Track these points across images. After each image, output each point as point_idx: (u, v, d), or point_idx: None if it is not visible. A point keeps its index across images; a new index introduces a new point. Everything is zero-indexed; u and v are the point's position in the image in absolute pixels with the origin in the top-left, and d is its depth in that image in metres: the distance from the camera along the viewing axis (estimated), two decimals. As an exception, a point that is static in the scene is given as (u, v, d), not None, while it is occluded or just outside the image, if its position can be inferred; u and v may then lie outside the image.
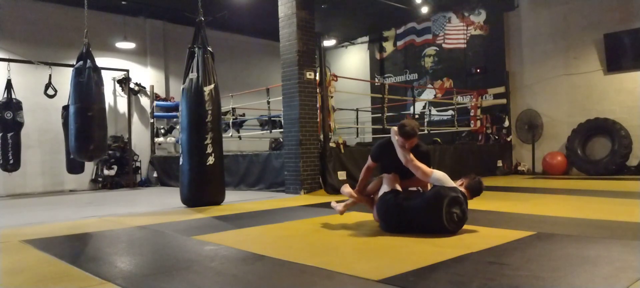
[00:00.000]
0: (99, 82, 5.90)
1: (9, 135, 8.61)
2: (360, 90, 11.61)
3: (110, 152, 9.72)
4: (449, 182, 3.59)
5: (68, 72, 8.88)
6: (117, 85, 10.67)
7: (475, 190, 3.72)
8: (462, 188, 3.63)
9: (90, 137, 5.76)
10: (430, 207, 3.48)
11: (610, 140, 9.45)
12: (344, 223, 4.23)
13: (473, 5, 11.59)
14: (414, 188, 3.90)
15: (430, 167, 3.74)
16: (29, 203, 7.57)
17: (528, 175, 10.29)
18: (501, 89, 10.94)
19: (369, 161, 4.11)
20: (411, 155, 3.71)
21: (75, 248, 3.61)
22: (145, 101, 11.19)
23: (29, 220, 5.27)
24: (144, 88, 11.09)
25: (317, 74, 7.57)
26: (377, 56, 13.89)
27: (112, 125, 9.82)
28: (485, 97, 11.16)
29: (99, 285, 2.52)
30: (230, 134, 9.87)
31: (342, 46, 14.59)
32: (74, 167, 8.62)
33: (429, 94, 12.46)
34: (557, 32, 10.22)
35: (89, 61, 5.81)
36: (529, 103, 10.68)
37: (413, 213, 3.55)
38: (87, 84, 5.74)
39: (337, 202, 4.40)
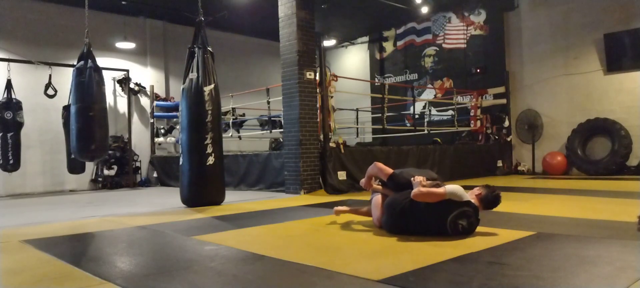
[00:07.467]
0: (100, 82, 5.93)
1: (9, 135, 8.61)
2: (360, 90, 11.61)
3: (110, 152, 9.72)
4: (464, 196, 3.45)
5: (68, 72, 8.89)
6: (117, 85, 10.67)
7: (489, 203, 3.59)
8: (475, 198, 3.53)
9: (92, 137, 5.80)
10: (436, 213, 3.41)
11: (610, 140, 9.44)
12: (344, 224, 4.24)
13: (473, 5, 11.59)
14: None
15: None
16: (29, 203, 7.56)
17: (528, 175, 10.29)
18: (501, 89, 10.94)
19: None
20: (423, 189, 3.49)
21: (75, 248, 3.61)
22: (145, 101, 11.19)
23: (29, 220, 5.27)
24: (144, 88, 11.09)
25: (317, 74, 7.57)
26: (377, 56, 13.89)
27: (112, 125, 9.80)
28: (485, 97, 11.15)
29: (99, 285, 2.52)
30: (230, 134, 9.87)
31: (342, 46, 14.59)
32: (75, 167, 8.62)
33: (429, 94, 12.46)
34: (557, 32, 10.22)
35: (90, 61, 5.85)
36: (529, 103, 10.68)
37: (418, 215, 3.47)
38: (88, 84, 5.78)
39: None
